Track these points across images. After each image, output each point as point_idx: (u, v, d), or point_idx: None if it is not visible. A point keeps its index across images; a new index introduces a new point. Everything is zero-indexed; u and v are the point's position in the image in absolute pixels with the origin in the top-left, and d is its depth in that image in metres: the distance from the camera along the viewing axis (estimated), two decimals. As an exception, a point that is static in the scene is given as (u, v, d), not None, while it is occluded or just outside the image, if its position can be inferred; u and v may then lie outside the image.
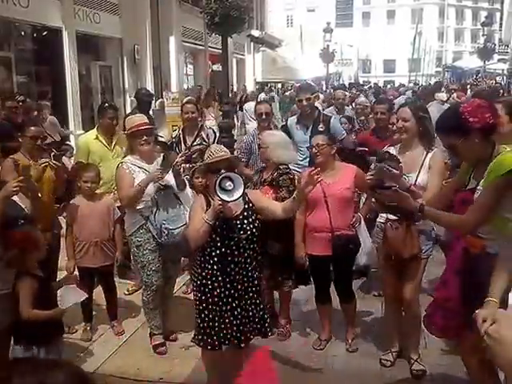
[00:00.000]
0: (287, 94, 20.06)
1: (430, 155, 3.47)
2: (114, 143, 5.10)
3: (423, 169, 3.44)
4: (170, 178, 3.96)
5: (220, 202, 2.97)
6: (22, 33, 11.24)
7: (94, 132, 5.22)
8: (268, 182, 3.99)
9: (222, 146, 3.35)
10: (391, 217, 3.45)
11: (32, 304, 3.04)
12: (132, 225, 3.96)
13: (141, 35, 14.22)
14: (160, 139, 5.58)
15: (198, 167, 4.35)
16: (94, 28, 12.45)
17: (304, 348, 4.04)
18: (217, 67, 18.03)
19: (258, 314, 3.24)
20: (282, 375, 3.46)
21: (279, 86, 25.82)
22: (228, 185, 2.96)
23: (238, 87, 21.76)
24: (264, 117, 5.08)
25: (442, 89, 15.06)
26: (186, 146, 5.16)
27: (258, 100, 11.43)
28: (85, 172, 4.22)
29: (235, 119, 14.64)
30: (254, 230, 3.18)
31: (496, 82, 24.30)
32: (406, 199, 2.65)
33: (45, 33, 11.29)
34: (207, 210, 3.11)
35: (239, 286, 3.15)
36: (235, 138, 9.04)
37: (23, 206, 3.45)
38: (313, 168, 3.85)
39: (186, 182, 4.18)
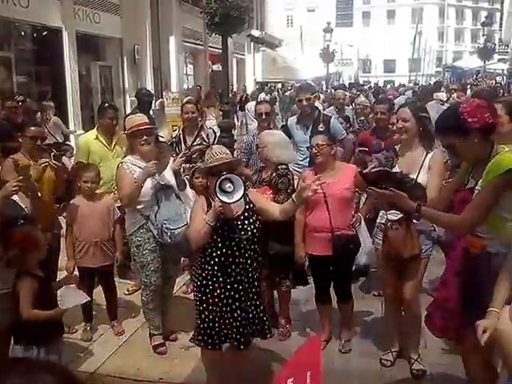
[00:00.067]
0: (287, 93, 20.08)
1: (429, 156, 3.47)
2: (114, 143, 5.10)
3: (423, 169, 3.44)
4: (170, 178, 3.96)
5: (220, 204, 2.97)
6: (22, 33, 11.25)
7: (94, 132, 5.22)
8: (267, 182, 3.98)
9: (224, 148, 3.34)
10: (391, 217, 3.46)
11: (32, 304, 3.04)
12: (132, 224, 3.96)
13: (141, 35, 14.23)
14: (160, 139, 5.58)
15: (198, 167, 4.36)
16: (93, 28, 12.46)
17: (304, 348, 4.03)
18: (217, 67, 18.04)
19: (258, 315, 3.23)
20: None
21: (279, 85, 25.80)
22: (228, 186, 2.96)
23: (238, 87, 21.77)
24: (264, 117, 5.08)
25: (442, 88, 15.07)
26: (185, 145, 5.17)
27: (259, 100, 11.44)
28: (85, 172, 4.22)
29: (235, 119, 14.66)
30: (255, 231, 3.19)
31: (496, 82, 24.30)
32: (403, 199, 2.66)
33: (45, 33, 11.29)
34: (208, 211, 3.11)
35: (240, 287, 3.15)
36: (235, 137, 9.03)
37: (23, 206, 3.45)
38: (313, 170, 3.89)
39: (187, 182, 4.18)
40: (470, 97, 9.27)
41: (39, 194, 3.76)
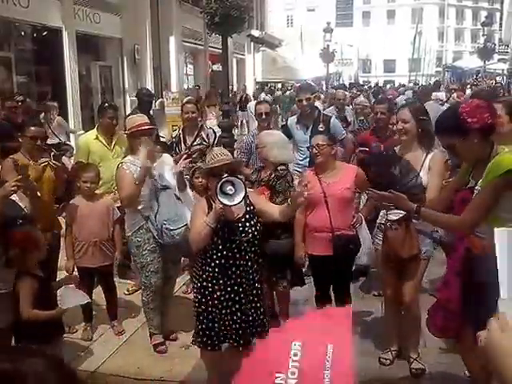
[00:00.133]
0: (287, 93, 20.10)
1: (429, 156, 3.47)
2: (113, 143, 5.10)
3: (423, 170, 3.44)
4: (170, 179, 3.97)
5: (221, 206, 2.98)
6: (22, 33, 11.25)
7: (94, 132, 5.22)
8: (265, 182, 3.98)
9: (225, 150, 3.35)
10: (391, 217, 3.47)
11: (32, 304, 3.04)
12: (132, 225, 3.97)
13: (141, 35, 14.23)
14: (161, 139, 5.59)
15: (198, 167, 4.37)
16: (94, 28, 12.45)
17: (304, 347, 4.03)
18: (217, 67, 18.05)
19: (259, 317, 3.23)
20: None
21: (279, 85, 25.81)
22: (229, 189, 2.96)
23: (238, 87, 21.78)
24: (264, 117, 5.08)
25: (441, 88, 15.08)
26: (185, 145, 5.17)
27: (259, 100, 11.45)
28: (84, 172, 4.22)
29: (236, 119, 14.67)
30: (256, 233, 3.19)
31: (496, 82, 24.29)
32: (403, 200, 2.67)
33: (45, 33, 11.29)
34: (209, 212, 3.11)
35: (240, 289, 3.15)
36: (235, 137, 9.04)
37: (22, 206, 3.45)
38: (314, 170, 3.89)
39: (187, 182, 4.18)
40: (469, 96, 9.27)
41: (39, 194, 3.77)
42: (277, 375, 1.38)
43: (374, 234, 3.83)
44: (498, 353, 1.00)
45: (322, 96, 14.65)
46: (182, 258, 4.41)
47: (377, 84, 30.24)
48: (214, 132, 5.50)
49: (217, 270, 3.13)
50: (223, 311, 3.14)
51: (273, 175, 3.96)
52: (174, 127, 7.91)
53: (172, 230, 3.80)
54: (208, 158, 3.27)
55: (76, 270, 4.18)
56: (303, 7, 55.88)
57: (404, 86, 27.20)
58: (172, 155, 4.63)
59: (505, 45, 37.14)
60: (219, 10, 7.54)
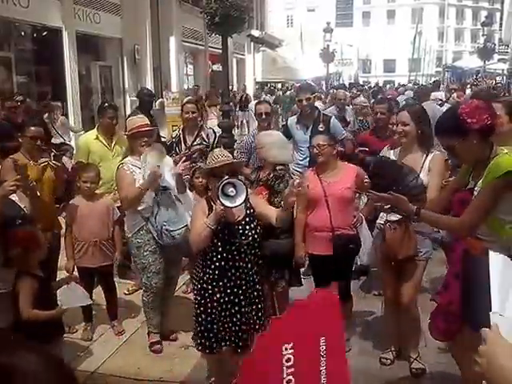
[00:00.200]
0: (287, 93, 20.10)
1: (429, 157, 3.47)
2: (113, 143, 5.10)
3: (423, 171, 3.44)
4: (170, 180, 3.97)
5: (222, 208, 2.98)
6: (22, 33, 11.25)
7: (94, 132, 5.22)
8: (263, 182, 3.98)
9: (225, 151, 3.36)
10: (391, 218, 3.47)
11: (32, 304, 3.04)
12: (132, 226, 3.97)
13: (141, 35, 14.23)
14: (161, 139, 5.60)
15: (198, 167, 4.36)
16: (93, 28, 12.46)
17: (304, 347, 4.03)
18: (217, 67, 18.06)
19: (259, 319, 3.23)
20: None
21: (279, 85, 25.82)
22: (230, 191, 2.96)
23: (238, 87, 21.78)
24: (264, 117, 5.08)
25: (441, 88, 15.07)
26: (186, 145, 5.17)
27: (259, 100, 11.45)
28: (84, 172, 4.22)
29: (235, 119, 14.66)
30: (256, 236, 3.19)
31: (496, 82, 24.29)
32: (403, 202, 2.68)
33: (45, 33, 11.30)
34: (209, 214, 3.12)
35: (240, 291, 3.15)
36: (235, 137, 9.04)
37: (22, 206, 3.45)
38: (314, 170, 3.89)
39: (186, 184, 4.17)
40: (468, 96, 9.26)
41: (38, 194, 3.76)
42: None
43: (373, 234, 3.83)
44: (493, 367, 1.02)
45: (322, 96, 14.66)
46: (183, 258, 4.40)
47: (377, 84, 30.25)
48: (214, 132, 5.50)
49: (217, 272, 3.13)
50: (223, 313, 3.14)
51: (271, 175, 3.96)
52: (174, 127, 7.91)
53: (172, 231, 3.80)
54: (208, 158, 3.27)
55: (76, 269, 4.18)
56: (303, 7, 55.87)
57: (404, 85, 27.20)
58: (172, 155, 4.63)
59: (505, 45, 37.12)
60: (219, 10, 7.53)
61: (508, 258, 1.39)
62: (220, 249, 3.11)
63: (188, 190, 4.24)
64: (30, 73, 11.15)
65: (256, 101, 10.32)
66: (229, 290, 3.13)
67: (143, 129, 3.92)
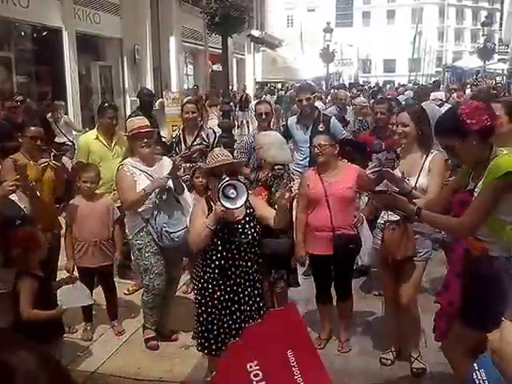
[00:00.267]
0: (287, 93, 20.10)
1: (429, 158, 3.47)
2: (113, 143, 5.10)
3: (423, 172, 3.44)
4: (169, 182, 3.96)
5: (222, 209, 2.98)
6: (22, 33, 11.26)
7: (94, 132, 5.23)
8: (263, 182, 3.98)
9: (225, 150, 3.36)
10: (391, 218, 3.47)
11: (32, 304, 3.04)
12: (132, 228, 3.97)
13: (141, 35, 14.23)
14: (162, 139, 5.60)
15: (198, 167, 4.37)
16: (93, 28, 12.46)
17: (304, 347, 4.03)
18: (217, 67, 18.07)
19: (260, 317, 3.21)
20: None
21: (279, 85, 25.82)
22: (231, 192, 2.97)
23: (238, 87, 21.78)
24: (264, 117, 5.07)
25: (441, 88, 15.06)
26: (186, 145, 5.17)
27: (259, 100, 11.45)
28: (84, 172, 4.22)
29: (235, 119, 14.67)
30: (256, 235, 3.19)
31: (496, 82, 24.29)
32: (403, 203, 2.68)
33: (45, 33, 11.31)
34: (208, 213, 3.12)
35: (240, 290, 3.15)
36: (235, 137, 9.04)
37: (22, 206, 3.45)
38: (315, 170, 3.89)
39: (184, 186, 4.17)
40: (468, 96, 9.26)
41: (38, 194, 3.76)
42: None
43: (374, 233, 3.83)
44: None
45: (323, 96, 14.66)
46: (183, 258, 4.40)
47: (377, 84, 30.24)
48: (214, 132, 5.50)
49: (217, 271, 3.14)
50: (223, 311, 3.15)
51: (270, 175, 3.96)
52: (174, 127, 7.91)
53: (172, 232, 3.80)
54: (208, 158, 3.28)
55: (76, 269, 4.18)
56: (303, 7, 55.85)
57: (404, 85, 27.21)
58: (172, 155, 4.63)
59: (505, 45, 37.11)
60: (219, 10, 7.53)
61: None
62: (220, 248, 3.12)
63: (187, 191, 4.24)
64: (30, 73, 11.16)
65: (256, 101, 10.34)
66: (229, 289, 3.14)
67: (143, 130, 3.92)
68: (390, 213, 3.45)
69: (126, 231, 4.14)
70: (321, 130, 4.96)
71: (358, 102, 7.97)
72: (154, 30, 15.20)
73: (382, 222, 3.62)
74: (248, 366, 1.35)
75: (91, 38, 12.86)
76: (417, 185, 3.37)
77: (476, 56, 30.86)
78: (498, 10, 54.33)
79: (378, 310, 4.47)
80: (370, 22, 61.08)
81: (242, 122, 16.59)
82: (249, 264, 3.16)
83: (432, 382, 3.60)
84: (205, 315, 3.18)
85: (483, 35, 30.75)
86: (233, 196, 2.97)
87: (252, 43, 25.12)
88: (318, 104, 7.81)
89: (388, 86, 30.63)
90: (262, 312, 3.24)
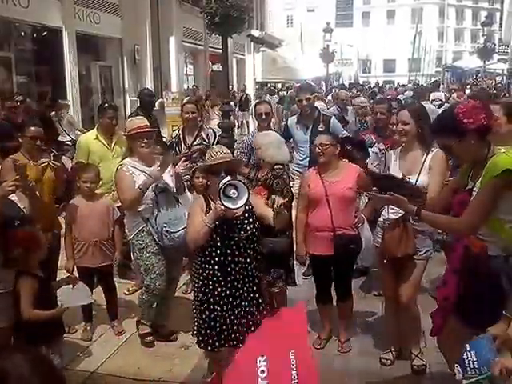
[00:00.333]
0: (287, 94, 20.09)
1: (430, 156, 3.47)
2: (113, 143, 5.10)
3: (423, 170, 3.44)
4: (169, 181, 3.97)
5: (223, 208, 2.98)
6: (22, 33, 11.27)
7: (94, 132, 5.23)
8: (262, 182, 3.98)
9: (225, 148, 3.36)
10: (391, 216, 3.47)
11: (32, 304, 3.04)
12: (132, 228, 3.97)
13: (141, 35, 14.23)
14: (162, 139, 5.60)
15: (198, 167, 4.37)
16: (93, 28, 12.46)
17: (304, 347, 4.03)
18: (217, 67, 18.06)
19: (260, 313, 3.23)
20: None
21: (279, 86, 25.82)
22: (232, 192, 2.98)
23: (238, 87, 21.79)
24: (264, 117, 5.07)
25: (441, 88, 15.07)
26: (186, 145, 5.17)
27: (258, 100, 11.46)
28: (84, 172, 4.22)
29: (235, 119, 14.67)
30: (254, 230, 3.20)
31: (496, 83, 24.30)
32: (403, 203, 2.69)
33: (45, 33, 11.31)
34: (207, 211, 3.13)
35: (239, 285, 3.17)
36: (235, 137, 9.05)
37: (21, 206, 3.45)
38: (316, 169, 3.89)
39: (185, 186, 4.18)
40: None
41: (38, 194, 3.76)
42: None
43: (374, 232, 3.83)
44: None
45: (326, 96, 14.67)
46: (183, 258, 4.40)
47: (377, 84, 30.25)
48: (214, 132, 5.50)
49: (216, 267, 3.15)
50: (224, 307, 3.16)
51: (269, 174, 3.96)
52: (174, 127, 7.91)
53: (172, 232, 3.80)
54: (207, 155, 3.28)
55: (76, 269, 4.18)
56: (303, 7, 55.83)
57: (404, 86, 27.22)
58: (172, 155, 4.63)
59: (505, 45, 37.10)
60: (219, 10, 7.54)
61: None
62: (219, 244, 3.13)
63: (187, 191, 4.24)
64: (30, 73, 11.16)
65: (256, 101, 10.34)
66: (229, 285, 3.15)
67: (143, 130, 3.92)
68: (390, 211, 3.46)
69: (126, 231, 4.14)
70: (321, 130, 4.96)
71: (357, 102, 7.96)
72: (154, 30, 15.21)
73: (383, 220, 3.62)
74: (258, 360, 1.39)
75: (91, 38, 12.86)
76: (417, 183, 3.37)
77: (476, 56, 30.90)
78: (498, 10, 54.30)
79: (378, 310, 4.48)
80: (369, 22, 61.09)
81: (242, 122, 16.59)
82: (248, 260, 3.17)
83: (432, 381, 3.60)
84: (207, 312, 3.19)
85: (483, 35, 30.77)
86: (234, 196, 2.97)
87: (252, 43, 25.11)
88: (320, 104, 7.81)
89: (388, 86, 30.65)
90: (261, 308, 3.26)
